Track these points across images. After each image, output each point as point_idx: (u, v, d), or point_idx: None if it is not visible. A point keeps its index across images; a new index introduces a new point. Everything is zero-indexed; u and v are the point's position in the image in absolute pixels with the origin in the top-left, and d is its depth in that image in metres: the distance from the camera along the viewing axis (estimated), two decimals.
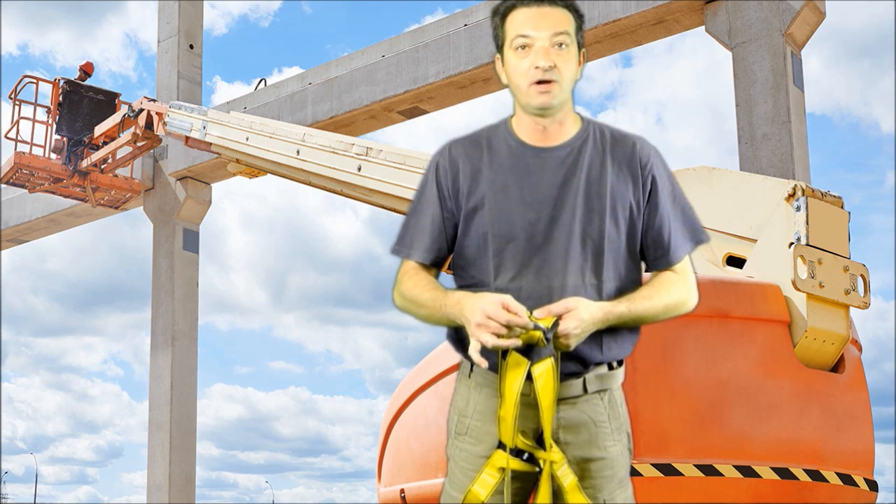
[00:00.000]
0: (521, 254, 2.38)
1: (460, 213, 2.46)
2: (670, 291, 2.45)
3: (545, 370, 2.31)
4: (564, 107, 2.41)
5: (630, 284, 2.44)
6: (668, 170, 2.50)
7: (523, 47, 2.37)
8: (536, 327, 2.28)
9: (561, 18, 2.38)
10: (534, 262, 2.37)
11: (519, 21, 2.39)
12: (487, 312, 2.26)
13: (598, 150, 2.43)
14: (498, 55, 2.45)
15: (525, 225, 2.39)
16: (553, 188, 2.39)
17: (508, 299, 2.29)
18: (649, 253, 2.48)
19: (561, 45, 2.37)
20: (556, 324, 2.29)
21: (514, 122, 2.48)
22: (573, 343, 2.31)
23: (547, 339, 2.28)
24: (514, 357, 2.32)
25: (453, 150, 2.50)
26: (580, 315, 2.29)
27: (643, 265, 2.52)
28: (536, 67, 2.35)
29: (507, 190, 2.41)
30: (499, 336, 2.27)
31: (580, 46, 2.42)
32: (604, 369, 2.45)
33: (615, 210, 2.40)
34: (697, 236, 2.52)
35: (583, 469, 2.39)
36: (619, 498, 2.43)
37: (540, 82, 2.36)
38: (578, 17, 2.42)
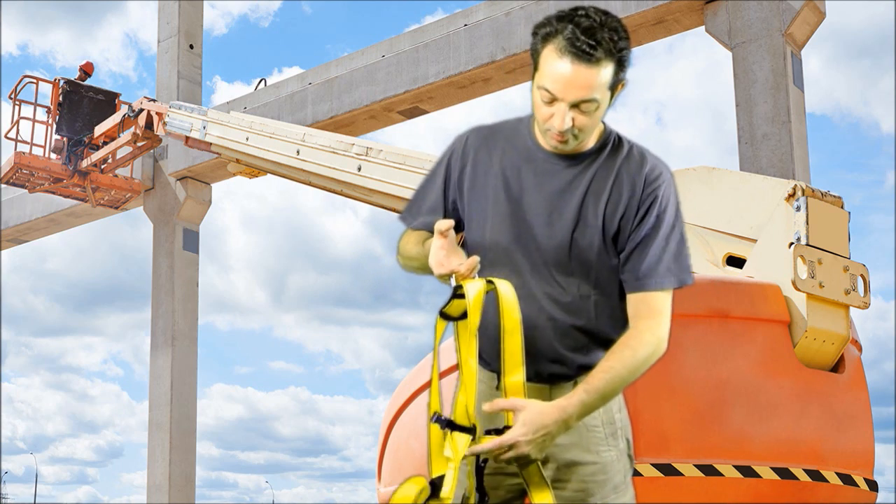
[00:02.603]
0: (514, 255, 2.38)
1: (463, 202, 2.47)
2: (636, 351, 2.30)
3: (476, 296, 2.24)
4: (585, 141, 2.36)
5: (619, 301, 2.41)
6: (676, 203, 2.40)
7: (548, 99, 2.28)
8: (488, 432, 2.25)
9: (595, 80, 2.22)
10: (525, 266, 2.37)
11: (548, 70, 2.25)
12: (431, 264, 2.29)
13: (608, 165, 2.39)
14: (532, 64, 2.36)
15: (522, 227, 2.39)
16: (552, 196, 2.38)
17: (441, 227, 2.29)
18: (624, 273, 2.38)
19: (585, 111, 2.27)
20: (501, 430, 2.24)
21: (535, 123, 2.46)
22: (541, 451, 2.23)
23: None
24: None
25: (471, 138, 2.50)
26: (528, 420, 2.21)
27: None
28: (555, 124, 2.29)
29: (510, 189, 2.41)
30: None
31: (619, 82, 2.29)
32: None
33: (607, 229, 2.37)
34: (683, 277, 2.39)
35: (572, 471, 2.38)
36: (613, 503, 2.42)
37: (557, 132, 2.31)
38: (621, 62, 2.25)
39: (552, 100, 2.27)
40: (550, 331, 2.35)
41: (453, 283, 2.25)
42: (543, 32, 2.27)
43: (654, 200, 2.36)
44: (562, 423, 2.23)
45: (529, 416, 2.21)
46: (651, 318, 2.35)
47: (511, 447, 2.21)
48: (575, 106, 2.26)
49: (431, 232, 2.45)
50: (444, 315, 2.28)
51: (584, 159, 2.39)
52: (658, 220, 2.36)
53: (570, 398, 2.25)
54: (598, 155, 2.40)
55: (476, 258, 2.26)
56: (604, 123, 2.43)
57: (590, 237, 2.36)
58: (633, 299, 2.37)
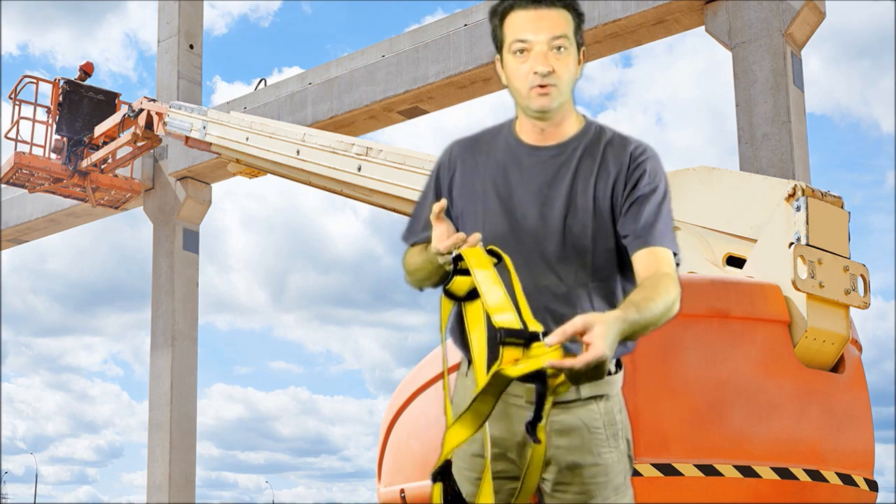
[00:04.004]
0: (509, 251, 2.38)
1: (455, 211, 2.49)
2: (668, 289, 2.25)
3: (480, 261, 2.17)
4: (563, 108, 2.40)
5: (618, 286, 2.42)
6: (664, 180, 2.42)
7: (522, 51, 2.34)
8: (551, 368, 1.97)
9: (559, 21, 2.34)
10: (521, 259, 2.36)
11: (517, 24, 2.35)
12: (435, 251, 2.30)
13: (592, 150, 2.42)
14: (498, 56, 2.44)
15: (514, 222, 2.40)
16: (541, 187, 2.40)
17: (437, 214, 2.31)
18: (626, 231, 2.36)
19: (559, 48, 2.33)
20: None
21: (517, 122, 2.49)
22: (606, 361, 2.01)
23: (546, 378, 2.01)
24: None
25: (455, 150, 2.54)
26: (606, 332, 2.01)
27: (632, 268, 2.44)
28: (535, 73, 2.33)
29: (498, 188, 2.43)
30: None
31: (580, 46, 2.39)
32: None
33: (600, 207, 2.39)
34: (675, 247, 2.38)
35: (574, 474, 2.38)
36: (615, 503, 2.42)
37: (539, 86, 2.34)
38: (578, 16, 2.37)
39: (527, 50, 2.34)
40: (549, 323, 2.35)
41: (451, 258, 2.23)
42: (501, 9, 2.39)
43: (644, 172, 2.39)
44: (620, 334, 2.07)
45: (603, 326, 2.02)
46: (662, 267, 2.31)
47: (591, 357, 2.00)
48: (550, 49, 2.32)
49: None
50: (448, 294, 2.27)
51: (567, 148, 2.42)
52: (651, 187, 2.38)
53: (626, 311, 2.12)
54: (580, 142, 2.43)
55: (478, 234, 2.26)
56: (584, 116, 2.47)
57: (582, 221, 2.38)
58: (638, 258, 2.34)
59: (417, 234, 2.55)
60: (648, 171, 2.39)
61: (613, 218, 2.39)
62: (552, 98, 2.35)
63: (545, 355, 2.00)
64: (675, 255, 2.39)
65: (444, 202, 2.31)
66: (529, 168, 2.42)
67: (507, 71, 2.39)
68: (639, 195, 2.37)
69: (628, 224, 2.37)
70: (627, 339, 2.16)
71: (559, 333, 2.00)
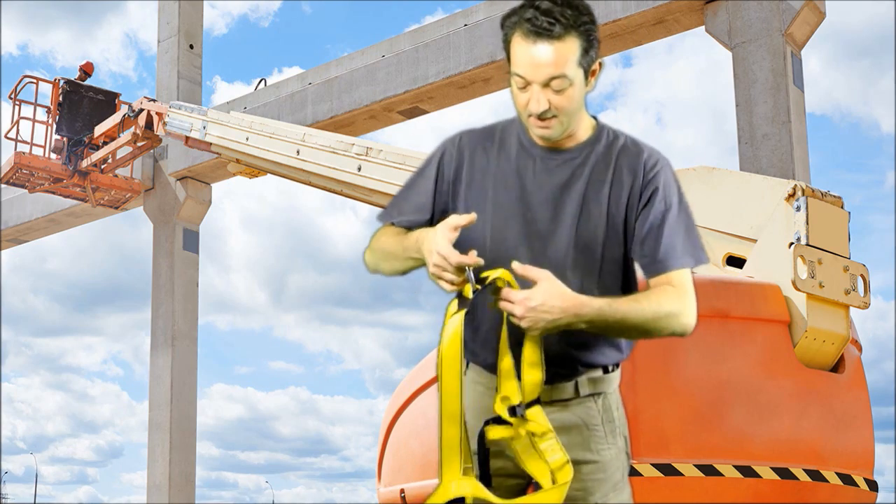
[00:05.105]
0: (516, 253, 2.37)
1: (457, 203, 2.45)
2: (661, 301, 2.31)
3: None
4: (570, 124, 2.36)
5: (627, 293, 2.42)
6: (678, 187, 2.43)
7: (521, 84, 2.31)
8: (477, 279, 2.22)
9: (561, 54, 2.25)
10: (527, 262, 2.35)
11: (517, 54, 2.29)
12: (440, 251, 2.24)
13: (605, 156, 2.40)
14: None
15: (523, 224, 2.39)
16: (555, 190, 2.38)
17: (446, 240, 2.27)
18: (642, 258, 2.40)
19: (558, 86, 2.28)
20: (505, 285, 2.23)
21: None
22: (534, 325, 2.23)
23: (475, 291, 2.21)
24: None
25: (464, 139, 2.49)
26: (548, 289, 2.21)
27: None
28: (532, 109, 2.30)
29: (509, 188, 2.41)
30: (453, 282, 2.25)
31: (591, 62, 2.32)
32: (598, 372, 2.44)
33: (613, 217, 2.38)
34: (698, 255, 2.42)
35: (573, 471, 2.39)
36: (613, 501, 2.42)
37: (538, 118, 2.32)
38: (587, 38, 2.29)
39: (525, 85, 2.30)
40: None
41: (471, 275, 2.23)
42: (510, 23, 2.32)
43: (657, 186, 2.39)
44: (573, 315, 2.22)
45: (551, 289, 2.21)
46: (676, 289, 2.36)
47: (516, 303, 2.21)
48: (547, 86, 2.28)
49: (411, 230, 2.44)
50: (461, 300, 2.27)
51: (581, 152, 2.40)
52: (666, 204, 2.38)
53: (592, 300, 2.25)
54: (593, 147, 2.41)
55: (474, 252, 2.26)
56: (595, 118, 2.45)
57: (594, 228, 2.37)
58: (654, 283, 2.38)
59: (396, 216, 2.50)
60: (662, 183, 2.39)
61: (625, 228, 2.39)
62: (552, 129, 2.34)
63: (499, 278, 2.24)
64: (698, 258, 2.41)
65: (474, 216, 2.28)
66: (543, 171, 2.40)
67: (511, 90, 2.36)
68: (655, 218, 2.37)
69: (646, 250, 2.38)
70: (601, 331, 2.28)
71: (520, 267, 2.24)
